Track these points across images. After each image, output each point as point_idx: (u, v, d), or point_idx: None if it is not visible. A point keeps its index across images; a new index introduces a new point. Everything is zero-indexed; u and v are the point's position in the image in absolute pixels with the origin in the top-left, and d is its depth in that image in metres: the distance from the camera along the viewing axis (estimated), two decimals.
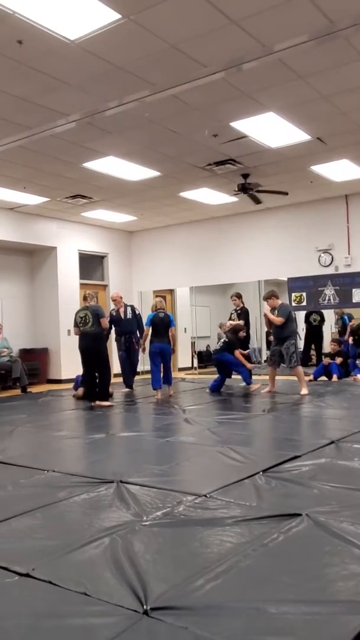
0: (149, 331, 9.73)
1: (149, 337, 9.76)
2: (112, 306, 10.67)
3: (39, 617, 2.17)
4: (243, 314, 10.79)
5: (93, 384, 8.82)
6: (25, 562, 2.65)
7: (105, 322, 8.88)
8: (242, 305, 10.93)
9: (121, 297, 10.58)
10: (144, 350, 10.10)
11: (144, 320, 10.16)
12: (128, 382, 10.74)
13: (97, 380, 8.80)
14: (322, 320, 14.17)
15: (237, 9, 4.91)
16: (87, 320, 8.65)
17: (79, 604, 2.26)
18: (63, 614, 2.18)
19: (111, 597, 2.28)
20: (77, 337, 8.92)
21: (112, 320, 10.27)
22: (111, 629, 2.03)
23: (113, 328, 10.37)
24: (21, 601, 2.33)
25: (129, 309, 10.43)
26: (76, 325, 8.82)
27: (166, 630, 2.03)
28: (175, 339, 9.93)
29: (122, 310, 10.36)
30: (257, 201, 10.75)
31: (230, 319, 10.96)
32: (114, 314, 10.38)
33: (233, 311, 11.00)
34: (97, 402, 8.53)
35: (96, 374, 8.85)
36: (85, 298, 9.13)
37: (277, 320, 9.00)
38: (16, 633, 2.06)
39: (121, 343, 10.44)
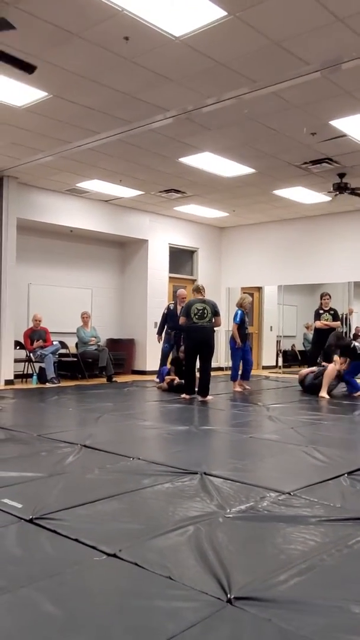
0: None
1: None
2: (172, 301, 10.85)
3: (126, 596, 2.22)
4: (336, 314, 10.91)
5: (194, 378, 8.87)
6: (112, 543, 2.72)
7: (219, 320, 8.72)
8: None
9: (184, 298, 10.59)
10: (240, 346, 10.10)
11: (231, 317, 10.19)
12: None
13: (199, 375, 8.75)
14: None
15: (343, 7, 4.86)
16: (206, 314, 8.52)
17: (163, 587, 2.30)
18: (149, 596, 2.22)
19: (195, 583, 2.31)
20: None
21: (169, 313, 10.59)
22: (196, 614, 2.06)
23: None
24: (109, 580, 2.40)
25: None
26: (188, 316, 8.57)
27: (250, 620, 2.03)
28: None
29: (179, 307, 10.32)
30: None
31: (321, 319, 10.84)
32: (172, 307, 10.60)
33: (323, 311, 10.87)
34: (202, 398, 8.49)
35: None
36: (199, 290, 8.85)
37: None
38: (105, 610, 2.12)
39: (170, 337, 10.62)
